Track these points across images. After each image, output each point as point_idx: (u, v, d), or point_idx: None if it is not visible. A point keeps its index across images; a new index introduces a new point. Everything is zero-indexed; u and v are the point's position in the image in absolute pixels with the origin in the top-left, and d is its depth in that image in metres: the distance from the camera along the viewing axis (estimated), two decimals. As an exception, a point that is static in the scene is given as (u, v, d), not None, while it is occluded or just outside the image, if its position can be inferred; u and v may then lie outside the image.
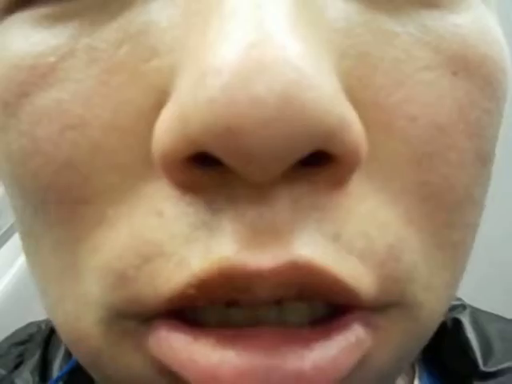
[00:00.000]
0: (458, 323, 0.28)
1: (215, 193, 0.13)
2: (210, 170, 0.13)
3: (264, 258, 0.12)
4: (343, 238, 0.13)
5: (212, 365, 0.13)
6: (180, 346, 0.13)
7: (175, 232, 0.13)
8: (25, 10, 0.15)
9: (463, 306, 0.29)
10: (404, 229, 0.14)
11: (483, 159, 0.16)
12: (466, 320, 0.28)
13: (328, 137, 0.12)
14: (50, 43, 0.14)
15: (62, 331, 0.16)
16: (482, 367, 0.26)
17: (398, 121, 0.14)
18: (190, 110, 0.12)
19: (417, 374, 0.28)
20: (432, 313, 0.16)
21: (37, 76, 0.14)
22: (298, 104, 0.11)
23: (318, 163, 0.13)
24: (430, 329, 0.17)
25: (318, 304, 0.14)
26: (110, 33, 0.14)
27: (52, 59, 0.14)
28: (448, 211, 0.15)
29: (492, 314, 0.30)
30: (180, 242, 0.13)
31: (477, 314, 0.29)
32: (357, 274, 0.13)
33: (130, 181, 0.14)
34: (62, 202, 0.14)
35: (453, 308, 0.29)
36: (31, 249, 0.17)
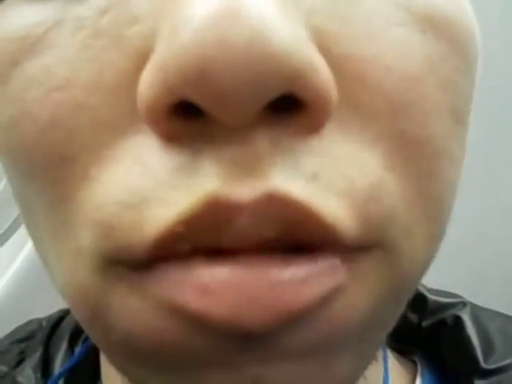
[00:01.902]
0: (458, 320, 0.28)
1: (197, 140, 0.14)
2: (191, 119, 0.13)
3: (244, 191, 0.13)
4: (322, 178, 0.14)
5: (202, 278, 0.14)
6: (174, 275, 0.14)
7: (158, 178, 0.14)
8: None
9: (463, 304, 0.29)
10: (384, 173, 0.15)
11: (458, 115, 0.16)
12: (466, 317, 0.28)
13: (294, 78, 0.12)
14: (40, 15, 0.15)
15: (64, 292, 0.17)
16: (482, 364, 0.26)
17: (373, 71, 0.15)
18: (166, 59, 0.13)
19: (418, 372, 0.28)
20: (411, 262, 0.16)
21: (26, 45, 0.15)
22: (263, 45, 0.12)
23: (291, 110, 0.13)
24: (409, 281, 0.17)
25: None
26: (94, 2, 0.15)
27: (41, 30, 0.15)
28: (426, 161, 0.15)
29: (492, 310, 0.30)
30: (163, 186, 0.14)
31: (477, 311, 0.29)
32: (336, 212, 0.14)
33: (113, 137, 0.14)
34: (48, 162, 0.15)
35: (453, 305, 0.29)
36: (28, 218, 0.17)
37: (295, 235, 0.14)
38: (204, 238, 0.14)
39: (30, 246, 0.49)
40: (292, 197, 0.13)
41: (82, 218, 0.15)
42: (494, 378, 0.26)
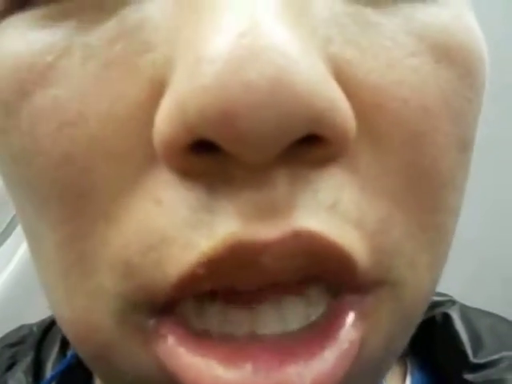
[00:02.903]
0: (447, 317, 0.28)
1: (214, 177, 0.13)
2: (208, 156, 0.13)
3: (268, 231, 0.13)
4: (340, 207, 0.14)
5: (214, 379, 0.13)
6: (187, 360, 0.14)
7: (176, 217, 0.13)
8: (22, 12, 0.15)
9: (452, 302, 0.29)
10: (392, 205, 0.15)
11: (465, 145, 0.16)
12: (455, 314, 0.28)
13: (318, 119, 0.12)
14: (47, 42, 0.15)
15: (71, 326, 0.17)
16: (472, 359, 0.26)
17: (391, 102, 0.15)
18: (186, 97, 0.12)
19: (408, 370, 0.28)
20: (416, 292, 0.16)
21: (35, 75, 0.15)
22: (287, 87, 0.12)
23: (308, 143, 0.13)
24: (416, 311, 0.17)
25: (314, 294, 0.15)
26: (105, 30, 0.14)
27: (49, 58, 0.15)
28: (433, 193, 0.16)
29: (481, 310, 0.30)
30: (182, 225, 0.13)
31: (466, 310, 0.29)
32: (352, 241, 0.14)
33: (128, 171, 0.14)
34: (64, 199, 0.15)
35: (442, 303, 0.29)
36: (36, 250, 0.17)
37: (315, 267, 0.14)
38: (225, 278, 0.14)
39: (22, 252, 0.49)
40: (314, 232, 0.13)
41: (102, 257, 0.14)
42: (484, 372, 0.26)
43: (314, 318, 0.15)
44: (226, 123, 0.12)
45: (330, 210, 0.14)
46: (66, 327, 0.17)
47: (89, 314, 0.15)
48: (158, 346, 0.14)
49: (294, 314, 0.15)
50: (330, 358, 0.14)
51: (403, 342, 0.18)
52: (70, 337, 0.17)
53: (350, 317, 0.15)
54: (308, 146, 0.13)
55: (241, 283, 0.14)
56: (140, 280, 0.14)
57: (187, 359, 0.14)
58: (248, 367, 0.14)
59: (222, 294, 0.14)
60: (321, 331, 0.15)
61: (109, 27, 0.14)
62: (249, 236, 0.13)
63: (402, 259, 0.15)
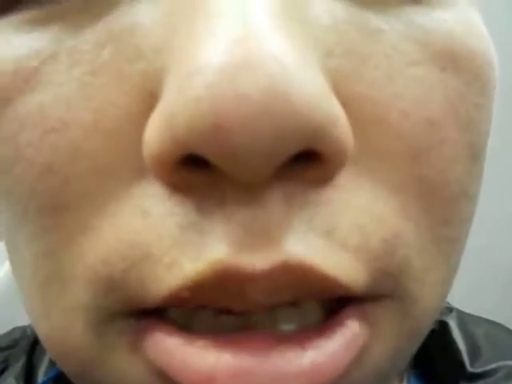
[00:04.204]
0: (444, 325, 0.28)
1: (205, 194, 0.13)
2: (200, 171, 0.12)
3: (257, 260, 0.12)
4: (337, 234, 0.13)
5: (207, 366, 0.13)
6: (174, 349, 0.13)
7: (163, 233, 0.13)
8: (6, 16, 0.15)
9: (449, 309, 0.29)
10: (400, 223, 0.14)
11: (475, 154, 0.16)
12: (452, 322, 0.28)
13: (315, 134, 0.12)
14: (32, 47, 0.14)
15: (49, 345, 0.16)
16: (469, 368, 0.26)
17: (391, 116, 0.14)
18: (176, 110, 0.12)
19: (405, 378, 0.28)
20: (426, 309, 0.16)
21: (19, 81, 0.14)
22: (283, 99, 0.11)
23: (304, 160, 0.13)
24: (424, 326, 0.17)
25: (310, 307, 0.14)
26: (93, 34, 0.14)
27: (34, 63, 0.14)
28: (444, 206, 0.15)
29: (479, 317, 0.30)
30: (169, 243, 0.13)
31: (463, 317, 0.29)
32: (350, 270, 0.13)
33: (113, 183, 0.13)
34: (43, 210, 0.14)
35: (439, 311, 0.29)
36: (15, 264, 0.16)
37: (307, 295, 0.14)
38: (211, 301, 0.13)
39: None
40: (307, 263, 0.13)
41: (79, 271, 0.14)
42: (481, 382, 0.26)
43: (310, 323, 0.14)
44: (217, 138, 0.11)
45: (326, 237, 0.13)
46: (46, 345, 0.16)
47: (65, 332, 0.15)
48: (144, 342, 0.14)
49: (289, 322, 0.14)
50: (332, 344, 0.13)
51: (408, 355, 0.17)
52: (49, 353, 0.17)
53: (351, 316, 0.14)
54: (304, 164, 0.13)
55: (228, 307, 0.13)
56: (122, 295, 0.13)
57: (174, 347, 0.13)
58: (240, 349, 0.13)
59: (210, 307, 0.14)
60: (320, 327, 0.14)
61: (97, 31, 0.14)
62: (237, 264, 0.12)
63: (411, 277, 0.15)
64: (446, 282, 0.17)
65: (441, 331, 0.28)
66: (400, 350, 0.16)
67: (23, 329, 0.31)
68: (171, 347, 0.13)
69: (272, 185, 0.12)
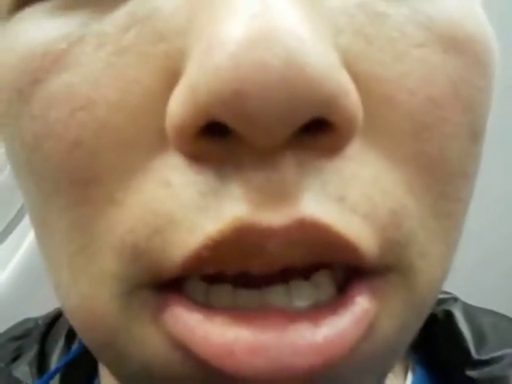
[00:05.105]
0: (449, 315, 0.28)
1: (223, 162, 0.14)
2: (219, 140, 0.13)
3: (274, 217, 0.13)
4: (347, 200, 0.14)
5: (227, 342, 0.14)
6: (195, 324, 0.14)
7: (184, 200, 0.14)
8: (36, 4, 0.16)
9: (454, 299, 0.29)
10: (404, 196, 0.15)
11: (475, 135, 0.16)
12: (457, 312, 0.28)
13: (328, 102, 0.13)
14: (61, 30, 0.15)
15: (76, 315, 0.17)
16: (474, 355, 0.26)
17: (399, 94, 0.15)
18: (198, 79, 0.13)
19: (410, 366, 0.28)
20: (428, 281, 0.16)
21: (48, 62, 0.15)
22: (299, 68, 0.12)
23: (317, 130, 0.13)
24: (428, 300, 0.17)
25: (323, 281, 0.15)
26: (118, 18, 0.15)
27: (63, 45, 0.15)
28: (443, 183, 0.16)
29: (484, 308, 0.30)
30: (190, 209, 0.14)
31: (468, 307, 0.29)
32: (361, 233, 0.14)
33: (137, 157, 0.14)
34: (73, 184, 0.15)
35: (444, 301, 0.29)
36: (43, 238, 0.17)
37: (321, 256, 0.14)
38: (231, 262, 0.14)
39: (25, 246, 0.49)
40: (322, 222, 0.13)
41: (108, 241, 0.15)
42: (486, 369, 0.26)
43: (323, 299, 0.15)
44: (237, 102, 0.12)
45: (338, 202, 0.14)
46: (72, 314, 0.17)
47: (93, 300, 0.15)
48: (165, 316, 0.15)
49: (302, 296, 0.15)
50: (342, 321, 0.14)
51: (414, 331, 0.18)
52: (75, 324, 0.17)
53: (362, 292, 0.15)
54: (316, 133, 0.13)
55: (248, 268, 0.14)
56: (146, 262, 0.14)
57: (194, 323, 0.14)
58: (257, 326, 0.14)
59: (230, 277, 0.15)
60: (332, 304, 0.15)
61: (121, 15, 0.15)
62: (255, 221, 0.13)
63: (414, 248, 0.15)
64: (447, 257, 0.17)
65: (446, 320, 0.28)
66: (406, 324, 0.16)
67: (35, 320, 0.31)
68: (192, 323, 0.14)
69: (286, 151, 0.13)
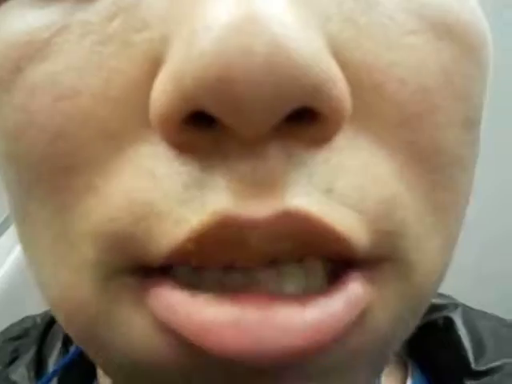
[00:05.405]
0: (449, 322, 0.28)
1: (208, 153, 0.13)
2: (204, 130, 0.13)
3: (258, 209, 0.13)
4: (336, 191, 0.14)
5: (207, 319, 0.13)
6: (178, 303, 0.14)
7: (168, 191, 0.13)
8: None
9: (455, 305, 0.29)
10: (396, 185, 0.15)
11: (469, 123, 0.16)
12: (457, 318, 0.28)
13: (314, 90, 0.12)
14: (44, 20, 0.15)
15: (57, 305, 0.16)
16: (473, 366, 0.26)
17: (389, 83, 0.14)
18: (183, 66, 0.12)
19: (409, 373, 0.28)
20: (425, 275, 0.16)
21: (31, 51, 0.15)
22: (285, 55, 0.12)
23: (304, 120, 0.13)
24: (425, 295, 0.17)
25: (314, 268, 0.15)
26: (102, 7, 0.14)
27: (46, 34, 0.15)
28: (437, 172, 0.15)
29: (484, 312, 0.30)
30: (174, 200, 0.13)
31: (468, 313, 0.29)
32: (350, 225, 0.14)
33: (120, 147, 0.14)
34: (55, 173, 0.15)
35: (444, 307, 0.29)
36: (24, 230, 0.17)
37: (309, 249, 0.14)
38: (215, 255, 0.14)
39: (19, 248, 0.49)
40: (308, 213, 0.13)
41: (86, 229, 0.14)
42: (485, 379, 0.26)
43: (314, 286, 0.15)
44: (221, 89, 0.12)
45: (325, 194, 0.13)
46: (55, 307, 0.17)
47: (73, 290, 0.15)
48: (148, 297, 0.14)
49: (293, 281, 0.14)
50: (334, 303, 0.14)
51: (409, 326, 0.18)
52: (59, 318, 0.17)
53: (354, 279, 0.14)
54: (303, 123, 0.13)
55: (233, 261, 0.14)
56: (129, 250, 0.14)
57: (177, 301, 0.14)
58: (241, 305, 0.13)
59: (216, 268, 0.14)
60: (324, 289, 0.14)
61: (106, 4, 0.14)
62: (238, 213, 0.13)
63: (409, 241, 0.15)
64: (445, 250, 0.17)
65: (446, 327, 0.28)
66: (401, 317, 0.16)
67: (33, 318, 0.31)
68: (174, 302, 0.14)
69: (272, 141, 0.13)
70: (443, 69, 0.15)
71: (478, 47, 0.16)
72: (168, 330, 0.14)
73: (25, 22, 0.15)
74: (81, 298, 0.15)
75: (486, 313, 0.31)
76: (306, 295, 0.14)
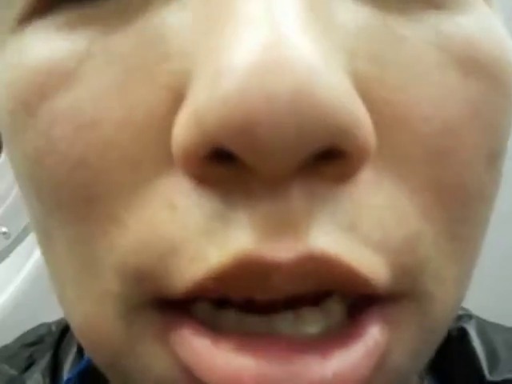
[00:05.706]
0: (463, 332, 0.28)
1: (230, 187, 0.13)
2: (226, 165, 0.13)
3: (281, 250, 0.13)
4: (359, 230, 0.14)
5: (232, 371, 0.13)
6: (201, 349, 0.14)
7: (189, 224, 0.13)
8: (44, 18, 0.16)
9: (469, 316, 0.29)
10: (419, 222, 0.14)
11: (495, 156, 0.16)
12: (471, 329, 0.28)
13: (339, 133, 0.12)
14: (68, 48, 0.15)
15: (81, 332, 0.17)
16: (488, 377, 0.26)
17: (412, 121, 0.14)
18: (206, 108, 0.12)
19: (424, 382, 0.28)
20: (442, 307, 0.16)
21: (55, 79, 0.15)
22: (309, 100, 0.12)
23: (328, 157, 0.13)
24: (442, 326, 0.17)
25: (333, 308, 0.15)
26: (125, 36, 0.14)
27: (72, 64, 0.15)
28: (460, 207, 0.15)
29: (499, 324, 0.30)
30: (195, 234, 0.13)
31: (483, 324, 0.29)
32: (372, 265, 0.14)
33: (142, 177, 0.14)
34: (76, 200, 0.15)
35: (458, 318, 0.29)
36: (47, 251, 0.17)
37: (330, 287, 0.14)
38: (235, 290, 0.14)
39: (38, 254, 0.49)
40: (332, 256, 0.13)
41: (110, 261, 0.14)
42: (499, 391, 0.26)
43: (332, 326, 0.15)
44: (246, 134, 0.12)
45: (348, 232, 0.13)
46: (78, 334, 0.17)
47: (97, 319, 0.15)
48: (171, 336, 0.14)
49: (312, 323, 0.14)
50: (354, 353, 0.14)
51: (427, 356, 0.18)
52: (81, 342, 0.17)
53: (373, 321, 0.14)
54: (327, 161, 0.13)
55: (253, 296, 0.14)
56: (149, 286, 0.14)
57: (201, 347, 0.14)
58: (262, 356, 0.13)
59: (236, 302, 0.14)
60: (343, 332, 0.14)
61: (129, 34, 0.14)
62: (260, 254, 0.13)
63: (428, 273, 0.15)
64: (462, 282, 0.17)
65: (460, 338, 0.28)
66: (419, 351, 0.16)
67: (48, 325, 0.31)
68: (198, 347, 0.14)
69: (295, 180, 0.13)
70: (470, 104, 0.15)
71: (507, 80, 0.16)
72: (189, 371, 0.14)
73: (50, 49, 0.15)
74: (105, 328, 0.15)
75: (499, 324, 0.30)
76: (325, 341, 0.14)
